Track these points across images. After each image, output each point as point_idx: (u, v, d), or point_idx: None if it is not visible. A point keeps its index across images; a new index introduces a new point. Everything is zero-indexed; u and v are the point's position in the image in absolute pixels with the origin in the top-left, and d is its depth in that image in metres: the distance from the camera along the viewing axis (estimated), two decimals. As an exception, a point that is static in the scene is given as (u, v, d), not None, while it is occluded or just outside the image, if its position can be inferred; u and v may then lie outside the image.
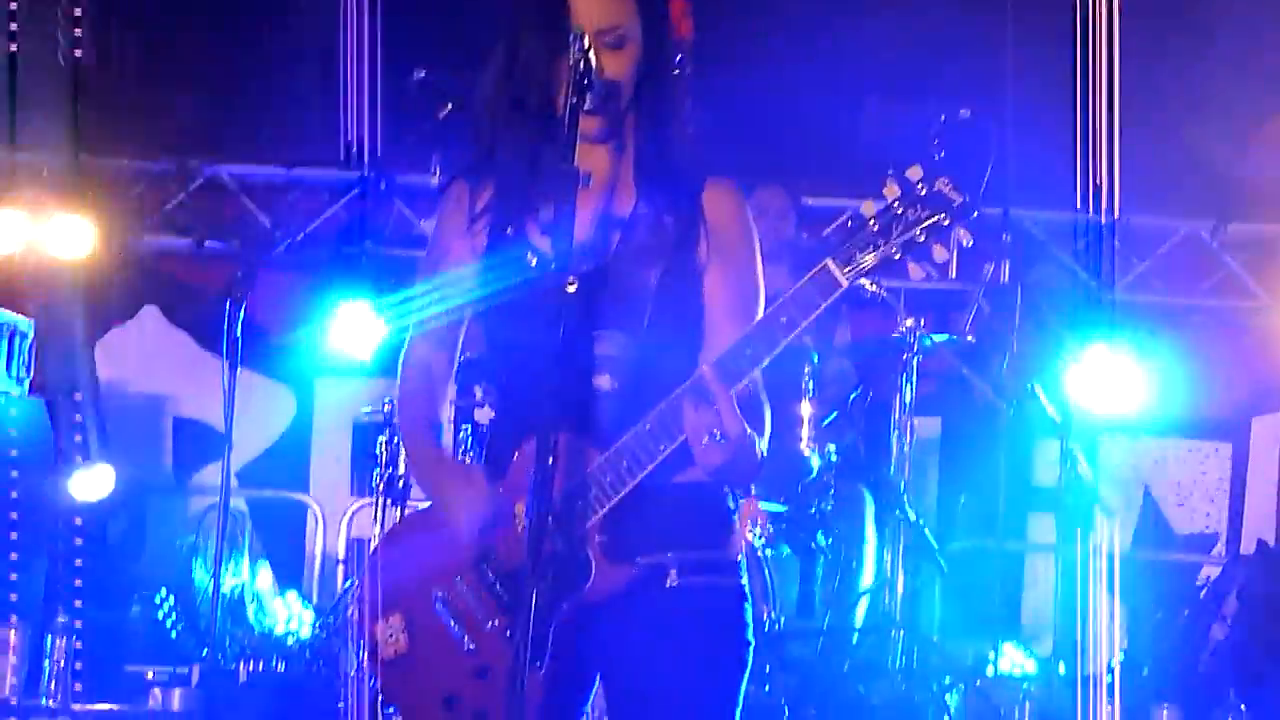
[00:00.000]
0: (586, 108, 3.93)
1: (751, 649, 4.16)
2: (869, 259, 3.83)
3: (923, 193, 3.82)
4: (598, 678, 4.19)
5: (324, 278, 9.92)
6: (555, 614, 3.92)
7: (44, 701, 7.01)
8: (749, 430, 3.89)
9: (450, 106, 8.49)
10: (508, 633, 4.03)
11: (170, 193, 10.12)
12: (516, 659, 3.69)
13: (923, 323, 7.97)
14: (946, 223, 3.82)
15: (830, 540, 7.80)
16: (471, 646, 4.09)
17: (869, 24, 8.66)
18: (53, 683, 7.00)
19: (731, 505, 4.21)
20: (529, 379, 3.91)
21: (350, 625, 7.72)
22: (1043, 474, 9.81)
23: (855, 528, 7.96)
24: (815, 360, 7.61)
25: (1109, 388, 8.98)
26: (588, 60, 3.91)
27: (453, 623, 4.10)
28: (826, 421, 7.79)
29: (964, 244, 3.86)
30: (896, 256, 3.83)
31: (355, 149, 9.47)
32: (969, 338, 8.40)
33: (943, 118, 7.87)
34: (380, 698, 4.34)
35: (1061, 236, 9.63)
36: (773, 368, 3.91)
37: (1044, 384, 8.52)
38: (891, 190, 3.84)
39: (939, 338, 8.08)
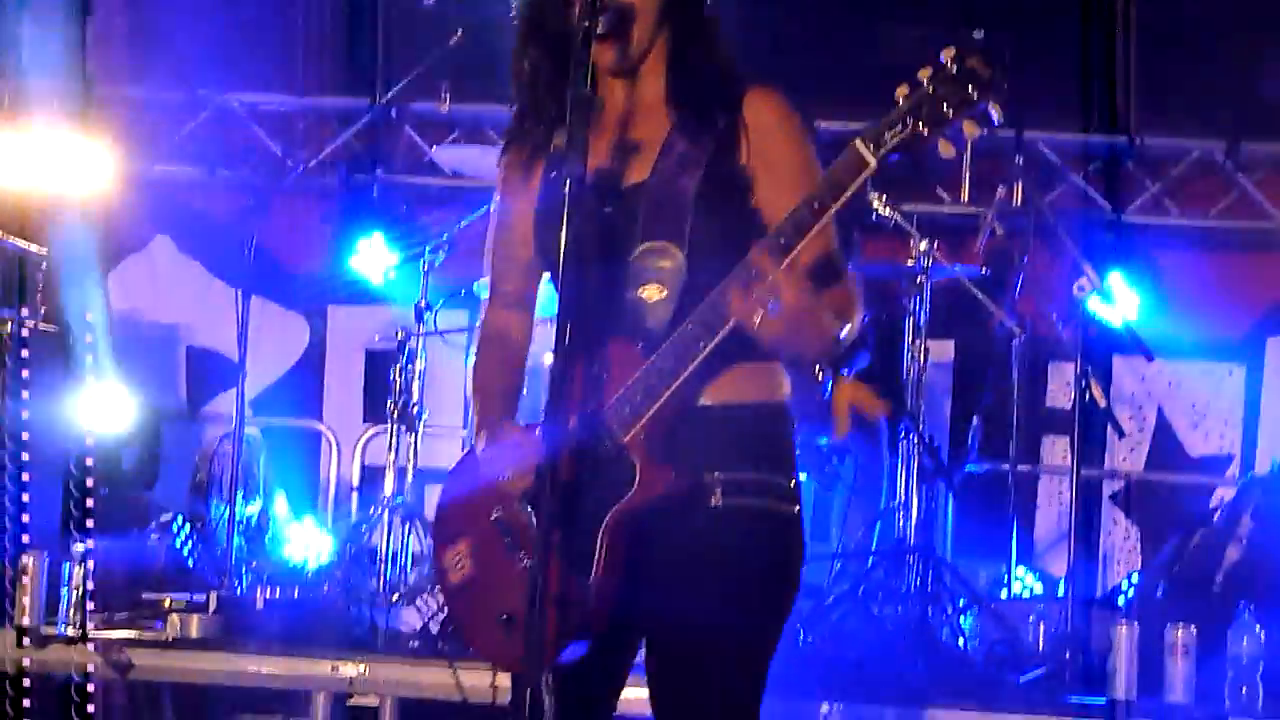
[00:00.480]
0: (599, 31, 3.91)
1: (797, 587, 4.14)
2: (897, 136, 3.78)
3: (954, 70, 3.75)
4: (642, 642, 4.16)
5: (335, 205, 9.92)
6: (599, 515, 3.91)
7: (63, 629, 7.00)
8: (811, 297, 3.83)
9: (460, 32, 8.48)
10: (560, 551, 3.89)
11: (181, 122, 10.08)
12: (542, 557, 3.71)
13: (936, 247, 7.95)
14: (976, 97, 3.74)
15: (845, 464, 7.82)
16: (526, 564, 4.03)
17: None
18: (71, 609, 6.98)
19: (788, 429, 4.17)
20: (584, 300, 3.85)
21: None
22: (1055, 397, 9.82)
23: (870, 451, 7.96)
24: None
25: (1122, 310, 8.98)
26: None
27: (509, 542, 4.08)
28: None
29: (996, 119, 3.75)
30: (925, 132, 3.77)
31: (366, 76, 9.48)
32: (982, 267, 8.36)
33: (952, 38, 7.84)
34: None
35: (1074, 158, 9.61)
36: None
37: (1057, 307, 8.52)
38: (925, 71, 3.78)
39: (956, 269, 8.09)
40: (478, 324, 4.37)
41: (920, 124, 3.76)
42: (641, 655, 4.16)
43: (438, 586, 4.29)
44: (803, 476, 4.17)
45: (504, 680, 4.39)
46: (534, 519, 4.00)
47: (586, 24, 3.86)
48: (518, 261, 4.28)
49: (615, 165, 4.12)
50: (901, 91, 3.79)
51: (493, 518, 4.11)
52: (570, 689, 3.93)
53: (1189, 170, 9.79)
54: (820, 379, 7.19)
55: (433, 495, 6.98)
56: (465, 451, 4.50)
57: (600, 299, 3.86)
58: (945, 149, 3.79)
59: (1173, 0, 9.06)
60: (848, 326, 3.98)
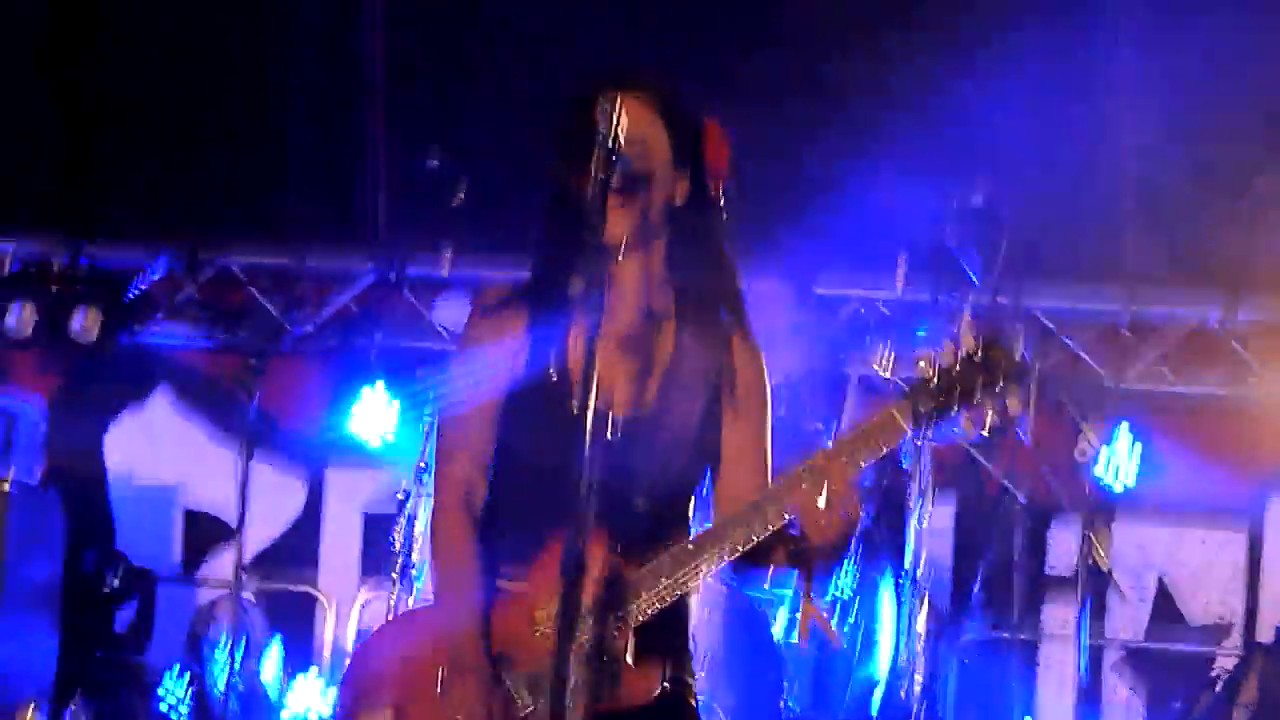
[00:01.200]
0: (614, 186, 3.90)
1: None
2: (930, 412, 4.01)
3: (977, 359, 3.98)
4: None
5: (334, 368, 9.86)
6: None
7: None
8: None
9: (463, 192, 8.45)
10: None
11: (180, 284, 10.02)
12: None
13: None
14: (1001, 385, 3.98)
15: (848, 627, 7.72)
16: None
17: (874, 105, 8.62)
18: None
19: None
20: (553, 489, 3.86)
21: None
22: (1056, 561, 9.71)
23: (872, 613, 7.86)
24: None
25: (1122, 476, 8.92)
26: (617, 129, 3.87)
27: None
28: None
29: (1013, 412, 4.07)
30: (954, 412, 4.01)
31: (370, 232, 9.45)
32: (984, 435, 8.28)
33: (954, 202, 7.84)
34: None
35: (1067, 324, 9.53)
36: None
37: (1057, 472, 8.48)
38: (948, 351, 3.99)
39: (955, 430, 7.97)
40: (437, 481, 4.34)
41: (953, 406, 3.99)
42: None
43: None
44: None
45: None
46: (498, 705, 4.04)
47: (603, 177, 3.86)
48: (483, 432, 4.25)
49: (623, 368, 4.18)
50: (924, 364, 4.01)
51: (441, 695, 4.06)
52: None
53: (1184, 339, 9.72)
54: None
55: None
56: (400, 612, 4.49)
57: (577, 495, 3.77)
58: (968, 428, 4.08)
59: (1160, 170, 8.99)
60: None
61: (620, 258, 4.08)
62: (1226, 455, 9.57)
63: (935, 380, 3.98)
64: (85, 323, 8.94)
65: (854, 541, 4.22)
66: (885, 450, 4.04)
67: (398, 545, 8.06)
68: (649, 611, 4.05)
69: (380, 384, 9.21)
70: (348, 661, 4.37)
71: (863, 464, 4.01)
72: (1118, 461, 8.97)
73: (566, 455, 3.75)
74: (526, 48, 8.62)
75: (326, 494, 10.24)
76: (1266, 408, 9.49)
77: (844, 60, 8.78)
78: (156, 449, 10.21)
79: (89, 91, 9.16)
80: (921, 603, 7.65)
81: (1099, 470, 8.85)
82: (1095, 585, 9.34)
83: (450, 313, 9.35)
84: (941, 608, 8.64)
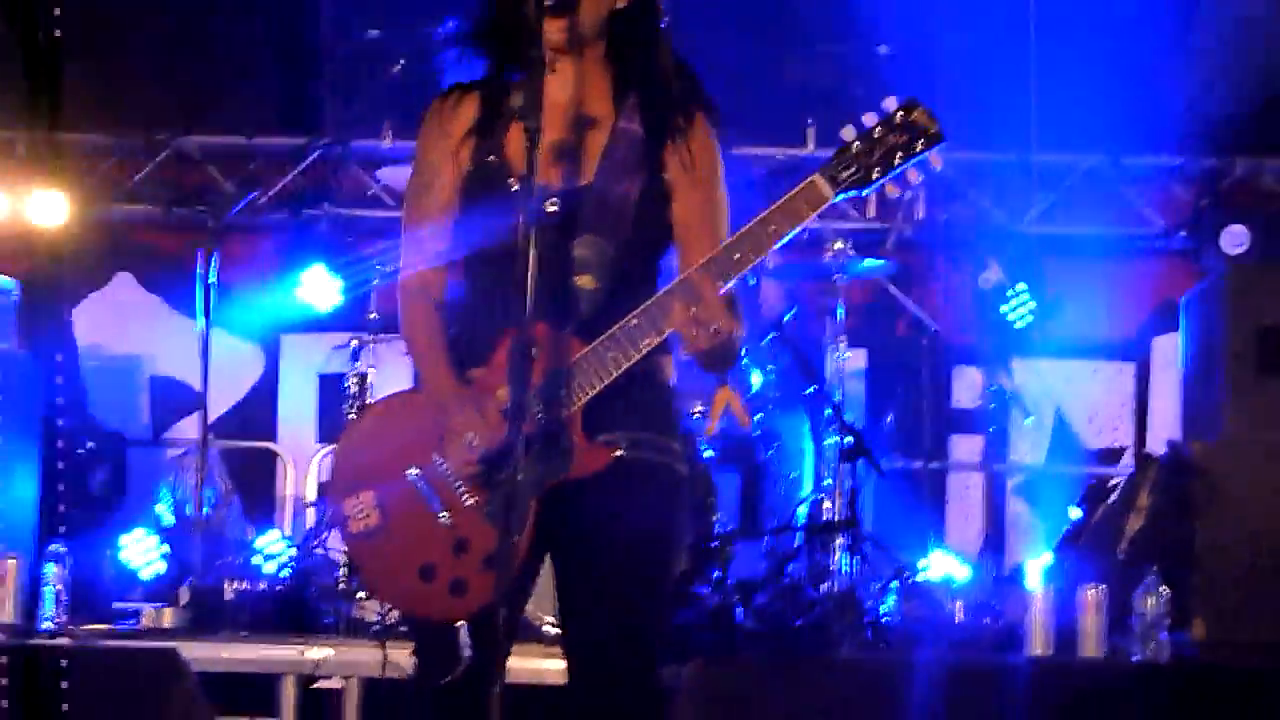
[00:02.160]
0: (548, 2, 3.96)
1: (684, 525, 4.32)
2: (852, 177, 3.98)
3: (899, 121, 3.97)
4: (546, 555, 4.22)
5: (286, 239, 9.86)
6: (536, 492, 3.96)
7: (44, 625, 6.88)
8: (736, 321, 4.00)
9: (401, 63, 8.44)
10: (487, 508, 4.05)
11: (139, 165, 10.00)
12: (503, 535, 3.72)
13: (850, 246, 7.95)
14: (920, 148, 3.97)
15: (772, 453, 7.78)
16: (448, 521, 4.09)
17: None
18: (53, 606, 6.86)
19: (672, 397, 4.32)
20: (509, 277, 3.85)
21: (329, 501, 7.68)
22: (961, 397, 9.83)
23: (792, 442, 7.93)
24: (751, 283, 7.57)
25: (1020, 315, 9.02)
26: None
27: (430, 498, 4.09)
28: (764, 341, 7.76)
29: (934, 167, 4.00)
30: (876, 176, 3.98)
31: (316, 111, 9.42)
32: (894, 264, 8.38)
33: (860, 54, 7.89)
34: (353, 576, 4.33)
35: (971, 174, 9.62)
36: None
37: (960, 312, 8.56)
38: (870, 118, 3.97)
39: (868, 263, 8.05)
40: (400, 277, 4.35)
41: (873, 167, 3.97)
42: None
43: (335, 530, 4.28)
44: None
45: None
46: (467, 480, 4.08)
47: None
48: (439, 217, 4.28)
49: (561, 156, 4.18)
50: (848, 133, 4.00)
51: (413, 474, 4.10)
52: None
53: (1078, 183, 9.83)
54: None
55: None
56: (368, 405, 4.52)
57: (534, 280, 3.80)
58: (891, 190, 4.06)
59: (1062, 28, 9.03)
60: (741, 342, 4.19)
61: (553, 70, 4.11)
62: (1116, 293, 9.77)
63: (857, 143, 3.98)
64: (50, 206, 8.89)
65: (734, 349, 4.19)
66: (809, 216, 4.01)
67: (353, 388, 8.08)
68: (598, 386, 4.06)
69: (323, 263, 9.28)
70: (335, 450, 4.40)
71: (786, 235, 3.99)
72: (1018, 302, 9.13)
73: (511, 238, 3.81)
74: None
75: (282, 358, 10.28)
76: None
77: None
78: (122, 323, 10.22)
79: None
80: (840, 422, 7.70)
81: (1003, 309, 8.98)
82: (997, 417, 9.50)
83: (393, 177, 9.34)
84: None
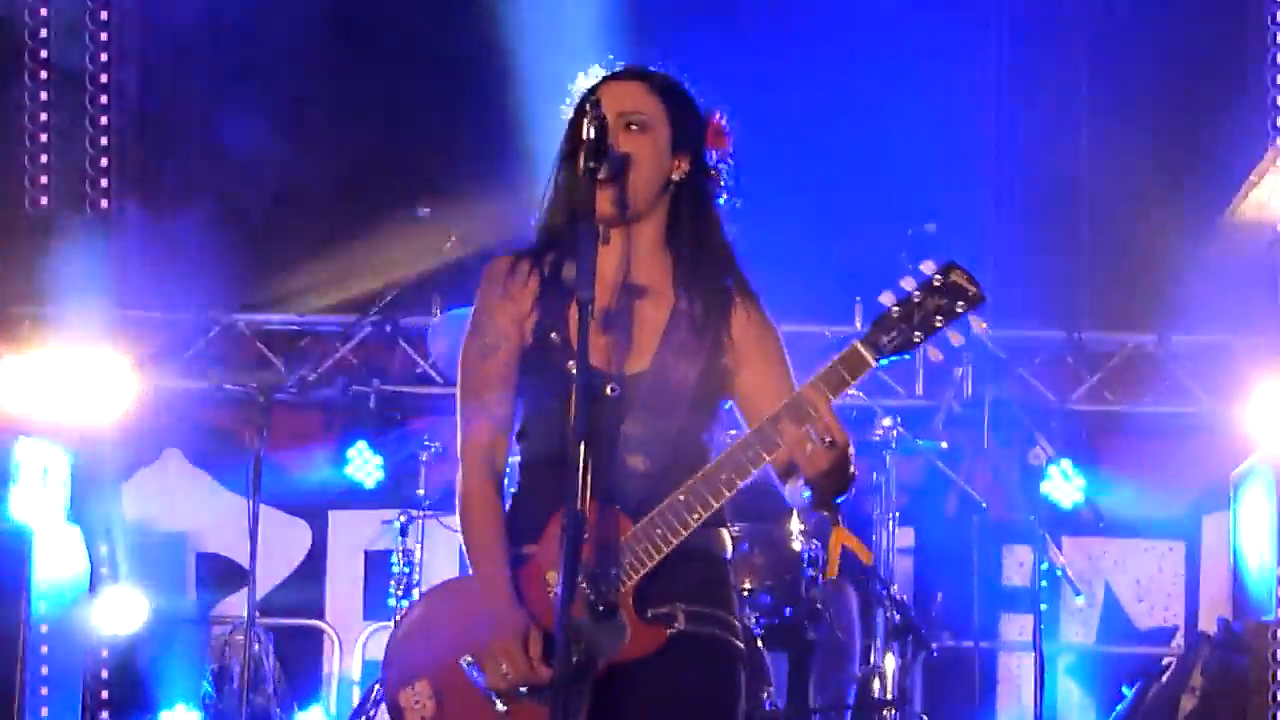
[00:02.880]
0: (601, 176, 3.94)
1: (741, 700, 4.18)
2: (892, 341, 3.91)
3: (937, 284, 3.91)
4: None
5: (335, 416, 9.86)
6: (591, 674, 3.89)
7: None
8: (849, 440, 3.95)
9: (452, 240, 8.46)
10: (544, 697, 3.94)
11: (189, 341, 10.03)
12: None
13: (899, 423, 7.93)
14: (961, 310, 3.91)
15: (820, 633, 7.69)
16: (504, 710, 4.02)
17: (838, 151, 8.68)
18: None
19: (728, 568, 4.25)
20: (560, 452, 3.82)
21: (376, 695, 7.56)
22: (1011, 575, 9.73)
23: (843, 619, 7.84)
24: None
25: (1070, 492, 8.95)
26: (601, 125, 3.92)
27: (488, 689, 4.01)
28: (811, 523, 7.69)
29: (976, 330, 3.93)
30: (917, 339, 3.91)
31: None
32: (942, 443, 8.35)
33: (909, 232, 7.89)
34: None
35: (1018, 353, 9.59)
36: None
37: (1009, 489, 8.50)
38: (910, 283, 3.92)
39: (917, 440, 8.04)
40: (459, 449, 4.24)
41: (914, 331, 3.90)
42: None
43: None
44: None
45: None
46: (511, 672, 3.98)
47: (591, 165, 3.91)
48: (507, 386, 4.20)
49: (615, 330, 4.14)
50: (886, 298, 3.94)
51: (463, 661, 4.03)
52: None
53: (1123, 362, 9.79)
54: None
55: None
56: (431, 587, 4.47)
57: (589, 460, 3.74)
58: (934, 355, 3.98)
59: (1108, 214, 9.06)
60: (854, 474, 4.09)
61: (606, 242, 4.04)
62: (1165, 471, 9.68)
63: (896, 308, 3.92)
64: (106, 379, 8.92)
65: (850, 465, 4.10)
66: (851, 383, 3.91)
67: (399, 564, 8.04)
68: (649, 564, 3.99)
69: (362, 444, 9.28)
70: (388, 640, 4.33)
71: (831, 399, 3.90)
72: (1063, 485, 9.05)
73: (566, 415, 3.75)
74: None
75: (330, 535, 10.21)
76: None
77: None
78: (170, 498, 10.18)
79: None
80: (889, 598, 7.63)
81: (1048, 488, 8.90)
82: (1048, 596, 9.39)
83: (441, 346, 9.35)
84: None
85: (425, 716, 4.07)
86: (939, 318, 3.91)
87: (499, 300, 4.21)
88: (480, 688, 4.02)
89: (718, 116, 4.28)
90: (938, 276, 3.91)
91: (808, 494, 4.10)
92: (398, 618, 4.57)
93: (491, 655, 3.99)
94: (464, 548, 4.24)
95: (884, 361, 3.91)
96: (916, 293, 3.91)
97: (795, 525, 7.35)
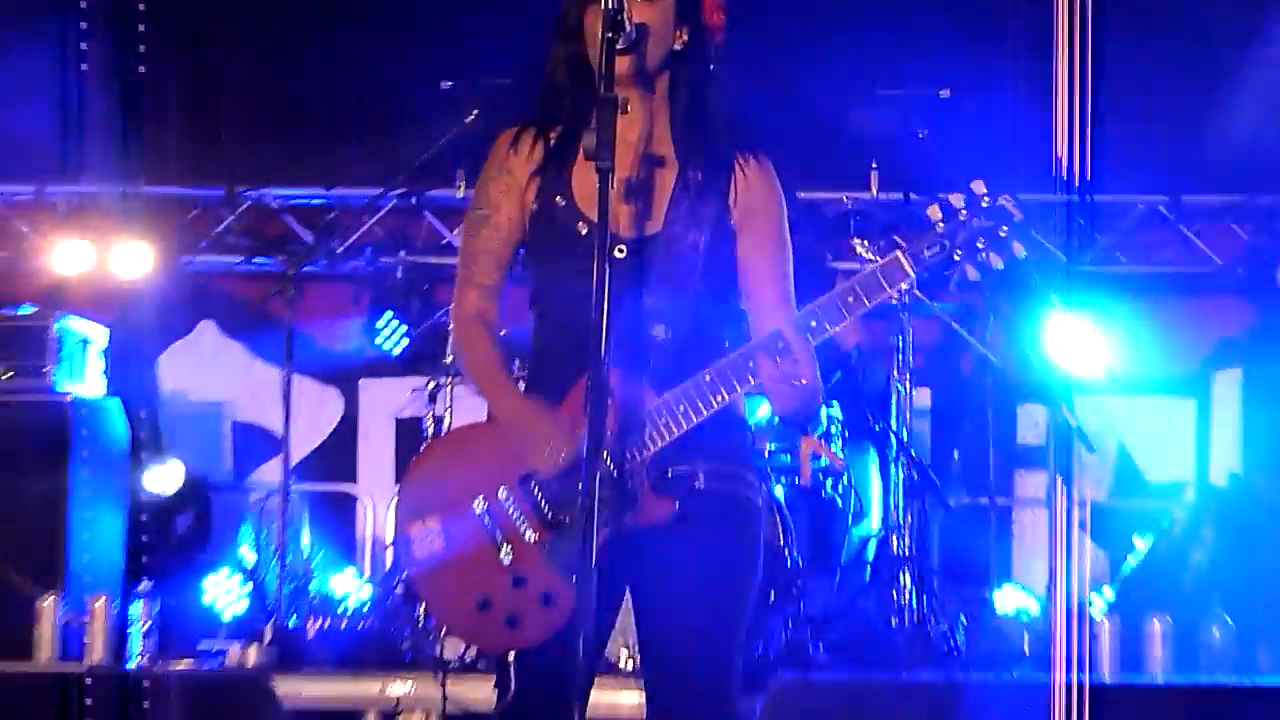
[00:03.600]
0: (619, 45, 3.93)
1: (761, 556, 4.23)
2: (934, 256, 3.99)
3: (985, 205, 4.01)
4: (627, 589, 4.21)
5: (363, 287, 9.90)
6: (597, 539, 3.84)
7: (131, 664, 6.92)
8: (818, 375, 4.02)
9: (475, 114, 8.46)
10: (547, 546, 4.06)
11: (220, 217, 10.08)
12: (580, 586, 3.71)
13: (915, 286, 7.95)
14: (1005, 233, 4.01)
15: (841, 490, 7.78)
16: (509, 556, 4.08)
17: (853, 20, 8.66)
18: (139, 644, 6.91)
19: (749, 430, 4.29)
20: (581, 325, 3.81)
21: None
22: (1025, 433, 9.79)
23: (861, 479, 7.93)
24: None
25: (1083, 352, 8.98)
26: (623, 3, 3.92)
27: (494, 532, 4.08)
28: (833, 381, 7.76)
29: (1018, 254, 4.03)
30: (957, 258, 4.00)
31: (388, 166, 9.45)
32: (959, 305, 8.38)
33: (924, 97, 7.89)
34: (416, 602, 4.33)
35: (1033, 214, 9.59)
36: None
37: (1024, 349, 8.53)
38: (958, 200, 4.00)
39: (934, 303, 8.07)
40: (454, 309, 4.31)
41: (956, 251, 4.00)
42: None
43: (401, 555, 4.27)
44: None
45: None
46: (529, 517, 4.06)
47: (609, 35, 3.88)
48: (497, 256, 4.26)
49: (630, 198, 4.16)
50: (935, 213, 4.03)
51: (478, 507, 4.09)
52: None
53: (1135, 223, 9.81)
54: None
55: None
56: (444, 431, 4.53)
57: (608, 327, 3.75)
58: (972, 274, 4.06)
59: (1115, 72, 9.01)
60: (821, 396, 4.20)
61: (624, 110, 3.96)
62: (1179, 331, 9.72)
63: (941, 224, 4.00)
64: (136, 257, 8.97)
65: (817, 405, 4.21)
66: (889, 292, 3.99)
67: (430, 431, 8.10)
68: (667, 438, 4.03)
69: (389, 314, 9.35)
70: (404, 476, 4.40)
71: (869, 304, 3.97)
72: (1077, 344, 9.09)
73: (584, 285, 3.75)
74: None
75: (361, 402, 10.28)
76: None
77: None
78: (205, 370, 10.26)
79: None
80: (906, 457, 7.70)
81: (1062, 350, 8.94)
82: (1062, 455, 9.44)
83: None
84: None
85: (432, 552, 4.15)
86: (981, 239, 4.00)
87: (495, 174, 4.25)
88: (490, 532, 4.10)
89: None
90: (985, 199, 4.00)
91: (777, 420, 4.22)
92: (415, 458, 4.62)
93: (538, 440, 4.05)
94: (478, 391, 4.31)
95: (920, 272, 3.99)
96: (963, 211, 3.99)
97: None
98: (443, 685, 6.48)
